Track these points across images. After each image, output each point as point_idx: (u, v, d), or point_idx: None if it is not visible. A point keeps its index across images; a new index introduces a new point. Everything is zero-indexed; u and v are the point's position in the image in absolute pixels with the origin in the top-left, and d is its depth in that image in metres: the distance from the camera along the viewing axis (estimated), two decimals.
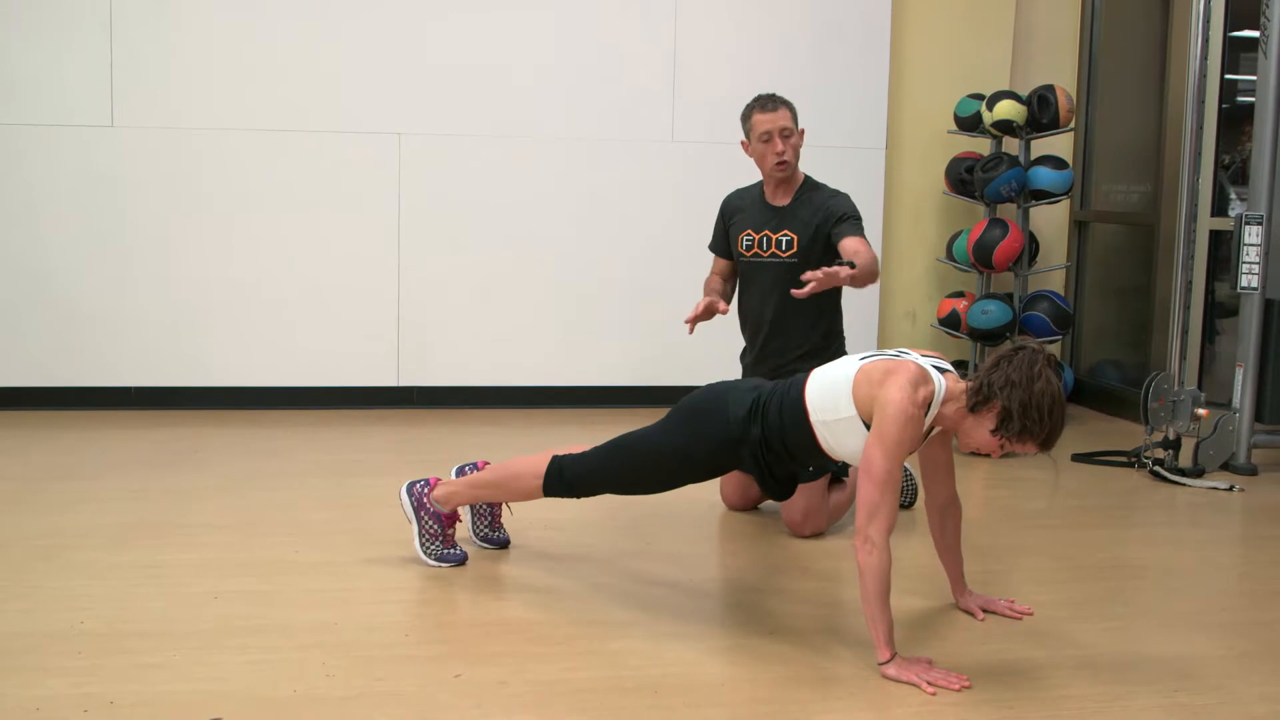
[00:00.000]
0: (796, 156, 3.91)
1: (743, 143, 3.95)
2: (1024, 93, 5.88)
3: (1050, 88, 5.76)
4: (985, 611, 3.12)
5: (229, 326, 5.57)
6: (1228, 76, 5.61)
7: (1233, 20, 5.48)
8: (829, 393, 2.89)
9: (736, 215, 4.04)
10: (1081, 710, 2.57)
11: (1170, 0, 5.78)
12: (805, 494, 3.79)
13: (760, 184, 4.03)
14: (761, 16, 5.85)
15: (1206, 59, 4.83)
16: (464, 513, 3.54)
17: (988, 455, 3.17)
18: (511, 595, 3.20)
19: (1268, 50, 4.72)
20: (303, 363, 5.65)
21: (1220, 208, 5.66)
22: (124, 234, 5.47)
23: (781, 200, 3.95)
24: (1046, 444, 2.70)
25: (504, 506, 3.59)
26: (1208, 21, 4.81)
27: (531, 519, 3.91)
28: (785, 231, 3.89)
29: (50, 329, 5.46)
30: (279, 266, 5.58)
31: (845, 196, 3.93)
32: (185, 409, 5.54)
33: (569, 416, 5.64)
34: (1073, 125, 5.93)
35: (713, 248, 4.14)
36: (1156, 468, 4.73)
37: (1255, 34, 4.86)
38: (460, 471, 3.51)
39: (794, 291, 3.45)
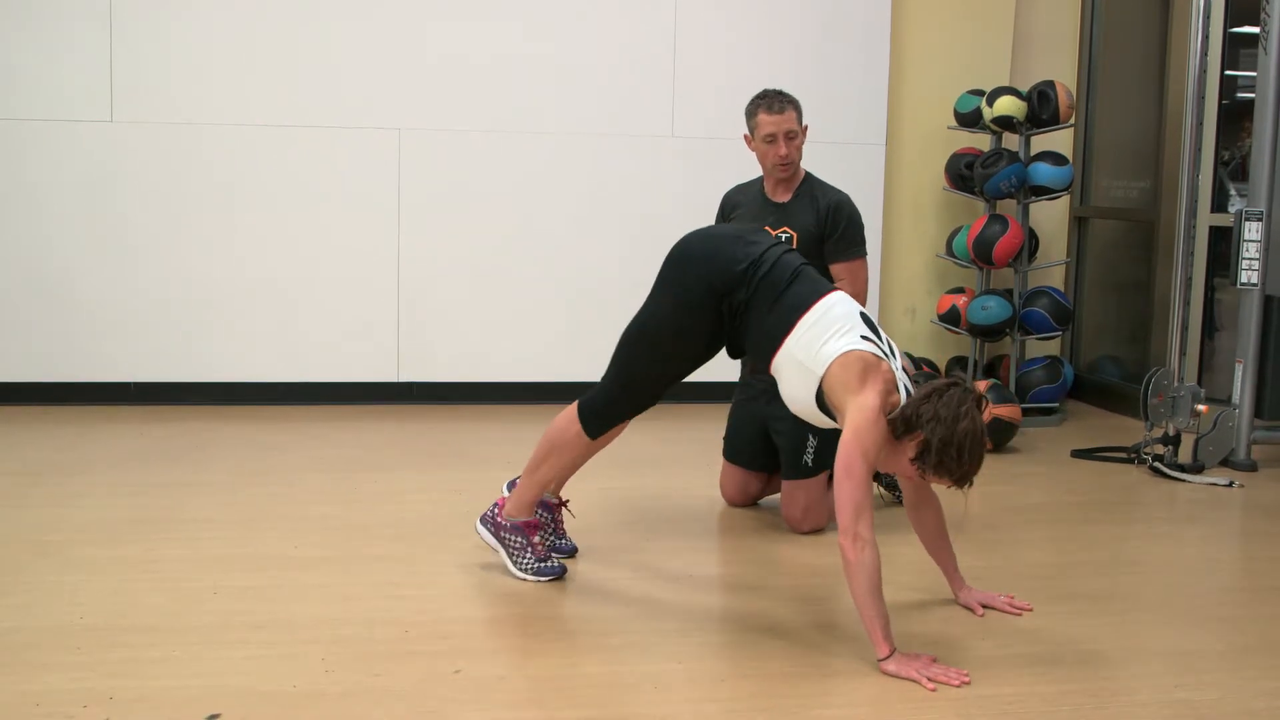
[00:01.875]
0: (799, 156, 3.91)
1: (745, 136, 3.95)
2: (1024, 88, 5.88)
3: (1050, 84, 5.75)
4: (984, 607, 3.12)
5: (228, 321, 5.57)
6: (1227, 72, 5.61)
7: (1232, 16, 5.48)
8: (815, 341, 2.87)
9: (736, 210, 4.04)
10: (1081, 706, 2.57)
11: None
12: (804, 490, 3.79)
13: (761, 179, 4.03)
14: (762, 11, 5.84)
15: (1206, 55, 4.83)
16: None
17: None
18: (511, 591, 3.20)
19: (1267, 46, 4.71)
20: (303, 357, 5.64)
21: (1220, 204, 5.65)
22: (123, 229, 5.47)
23: (782, 196, 3.95)
24: (960, 481, 2.73)
25: (565, 510, 3.48)
26: (1208, 17, 4.81)
27: None
28: (785, 228, 3.89)
29: (49, 323, 5.45)
30: (279, 261, 5.58)
31: (847, 199, 3.94)
32: (185, 404, 5.54)
33: None
34: (1073, 121, 5.93)
35: None
36: (1156, 464, 4.73)
37: (1255, 30, 4.85)
38: (511, 485, 3.43)
39: None
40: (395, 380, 5.74)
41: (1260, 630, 3.07)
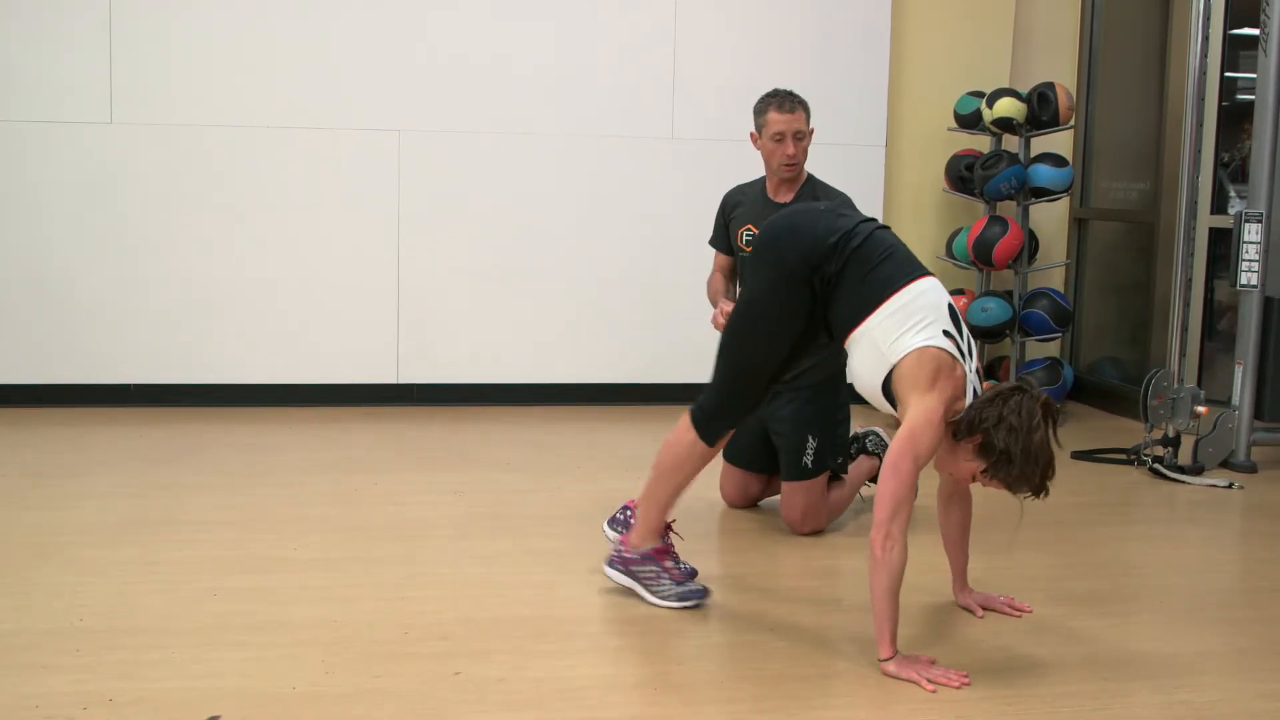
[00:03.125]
0: (805, 158, 3.90)
1: (752, 134, 3.94)
2: (1024, 90, 5.88)
3: (1050, 85, 5.75)
4: (985, 609, 3.12)
5: (228, 323, 5.57)
6: (1227, 74, 5.61)
7: (1232, 18, 5.48)
8: (897, 328, 2.79)
9: (737, 210, 4.03)
10: (1081, 707, 2.57)
11: None
12: (805, 492, 3.79)
13: (762, 180, 4.03)
14: (761, 13, 5.85)
15: (1206, 56, 4.83)
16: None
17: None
18: (510, 593, 3.19)
19: (1267, 48, 4.71)
20: (302, 359, 5.64)
21: (1220, 205, 5.66)
22: (123, 230, 5.47)
23: (784, 197, 3.95)
24: (1038, 491, 2.71)
25: (673, 532, 3.27)
26: (1208, 19, 4.81)
27: (527, 517, 3.91)
28: None
29: (49, 325, 5.45)
30: (278, 263, 5.58)
31: (848, 201, 3.93)
32: (184, 406, 5.54)
33: (569, 413, 5.64)
34: (1072, 123, 5.93)
35: (713, 243, 4.14)
36: (1156, 465, 4.73)
37: (1255, 31, 4.85)
38: (613, 522, 3.30)
39: (723, 309, 3.63)
40: (395, 382, 5.74)
41: (1260, 632, 3.06)
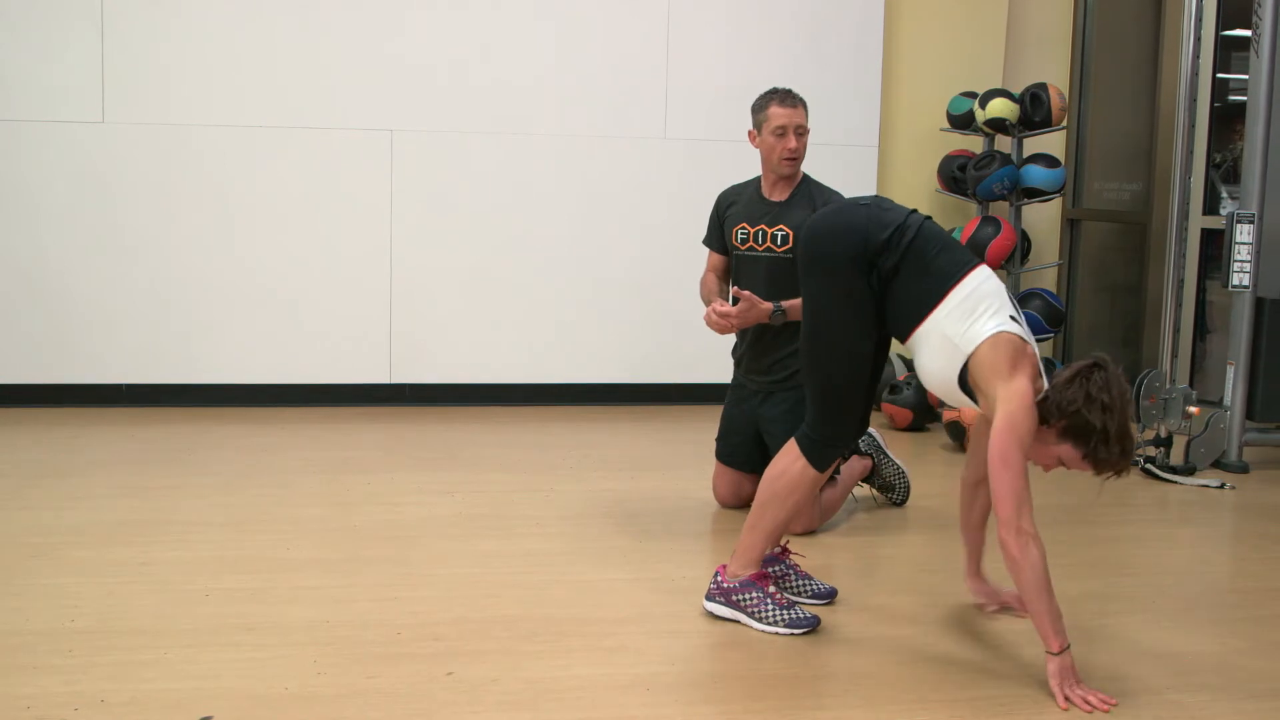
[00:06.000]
0: (804, 154, 3.91)
1: (750, 132, 3.95)
2: (1016, 91, 5.89)
3: (1043, 86, 5.76)
4: (996, 604, 3.06)
5: (220, 323, 5.56)
6: (1219, 75, 5.62)
7: (1225, 19, 5.49)
8: (966, 317, 2.74)
9: (732, 208, 4.04)
10: (1073, 708, 2.57)
11: None
12: None
13: (757, 180, 4.03)
14: (754, 14, 5.85)
15: (1198, 58, 4.84)
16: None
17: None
18: (504, 593, 3.19)
19: (1259, 49, 4.72)
20: (294, 359, 5.64)
21: (1212, 206, 5.67)
22: (115, 230, 5.45)
23: (779, 196, 3.96)
24: (1122, 471, 2.67)
25: (790, 553, 3.22)
26: (1200, 20, 4.82)
27: (520, 517, 3.91)
28: (781, 226, 3.90)
29: (40, 325, 5.44)
30: (270, 263, 5.57)
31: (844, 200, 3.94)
32: (177, 406, 5.53)
33: (562, 413, 5.64)
34: (1065, 123, 5.94)
35: (707, 242, 4.14)
36: (1148, 465, 4.74)
37: (1247, 33, 4.87)
38: (710, 596, 3.07)
39: (716, 308, 3.74)
40: (388, 382, 5.74)
41: (1252, 632, 3.07)
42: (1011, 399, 2.63)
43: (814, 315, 2.89)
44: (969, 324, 2.73)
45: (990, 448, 2.63)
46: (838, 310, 2.85)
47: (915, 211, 2.94)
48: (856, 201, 2.97)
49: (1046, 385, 2.72)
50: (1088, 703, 2.56)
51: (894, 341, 2.97)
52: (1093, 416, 2.62)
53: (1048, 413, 2.68)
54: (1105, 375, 2.66)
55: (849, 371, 2.87)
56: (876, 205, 2.91)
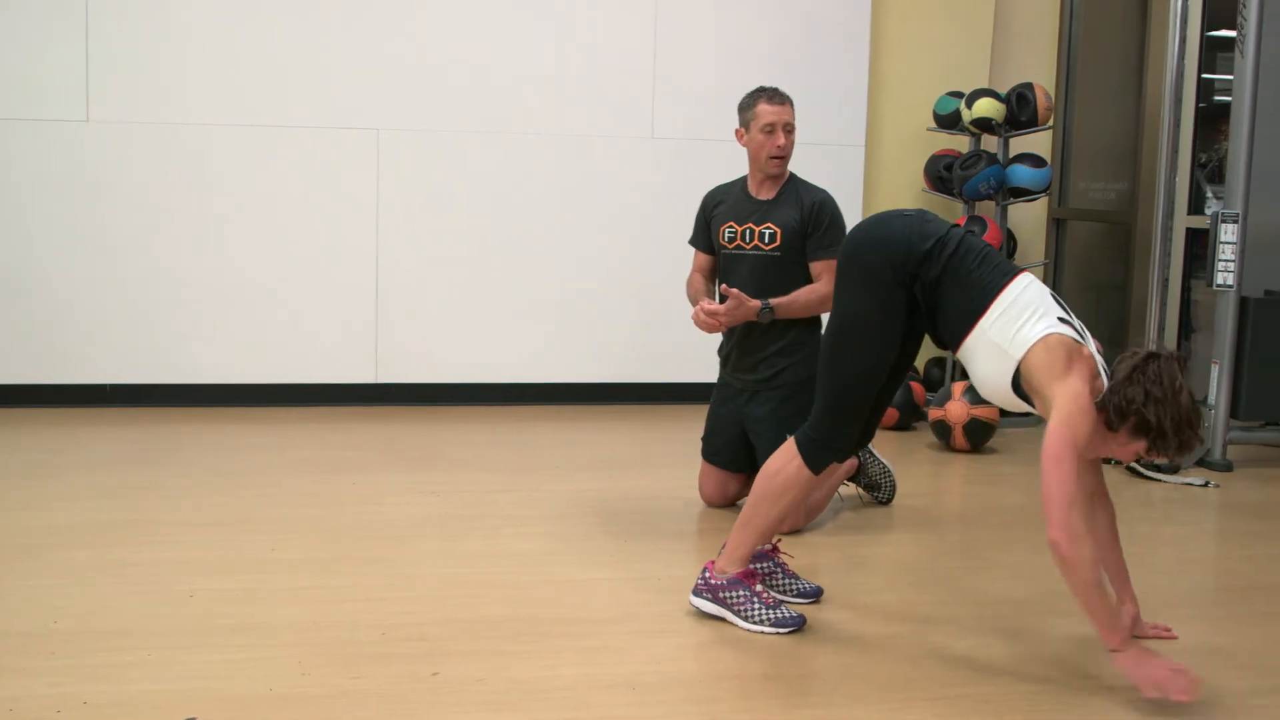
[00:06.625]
0: (792, 152, 3.92)
1: (738, 131, 3.95)
2: (1003, 91, 5.90)
3: (1029, 86, 5.77)
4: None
5: (207, 323, 5.54)
6: (1205, 76, 5.64)
7: (1210, 20, 5.51)
8: (1013, 324, 2.75)
9: (718, 207, 4.04)
10: (1057, 704, 2.58)
11: (1148, 0, 5.81)
12: None
13: (743, 179, 4.03)
14: (741, 14, 5.85)
15: (1184, 58, 4.86)
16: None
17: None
18: (489, 593, 3.19)
19: (1244, 50, 4.74)
20: (281, 359, 5.62)
21: (1197, 206, 5.68)
22: (99, 230, 5.43)
23: (766, 194, 3.96)
24: (1184, 454, 2.69)
25: (780, 551, 3.23)
26: (1185, 21, 4.84)
27: (506, 517, 3.91)
28: (768, 224, 3.90)
29: (25, 325, 5.41)
30: (256, 262, 5.55)
31: (830, 199, 3.95)
32: (162, 406, 5.51)
33: (549, 413, 5.64)
34: (1051, 123, 5.95)
35: (693, 242, 4.14)
36: (1133, 464, 4.75)
37: (1232, 34, 4.88)
38: (697, 591, 3.09)
39: (704, 307, 3.79)
40: (373, 382, 5.73)
41: (1236, 629, 3.08)
42: (1067, 400, 2.64)
43: (843, 317, 2.90)
44: (1016, 329, 2.75)
45: (1045, 447, 2.62)
46: (868, 315, 2.87)
47: (957, 225, 2.96)
48: (900, 213, 2.98)
49: (1106, 384, 2.72)
50: (1177, 685, 2.52)
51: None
52: (1150, 414, 2.62)
53: (1114, 415, 2.67)
54: (1158, 366, 2.65)
55: (863, 376, 2.89)
56: (920, 217, 2.93)
